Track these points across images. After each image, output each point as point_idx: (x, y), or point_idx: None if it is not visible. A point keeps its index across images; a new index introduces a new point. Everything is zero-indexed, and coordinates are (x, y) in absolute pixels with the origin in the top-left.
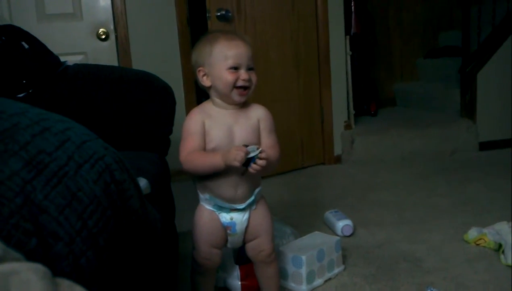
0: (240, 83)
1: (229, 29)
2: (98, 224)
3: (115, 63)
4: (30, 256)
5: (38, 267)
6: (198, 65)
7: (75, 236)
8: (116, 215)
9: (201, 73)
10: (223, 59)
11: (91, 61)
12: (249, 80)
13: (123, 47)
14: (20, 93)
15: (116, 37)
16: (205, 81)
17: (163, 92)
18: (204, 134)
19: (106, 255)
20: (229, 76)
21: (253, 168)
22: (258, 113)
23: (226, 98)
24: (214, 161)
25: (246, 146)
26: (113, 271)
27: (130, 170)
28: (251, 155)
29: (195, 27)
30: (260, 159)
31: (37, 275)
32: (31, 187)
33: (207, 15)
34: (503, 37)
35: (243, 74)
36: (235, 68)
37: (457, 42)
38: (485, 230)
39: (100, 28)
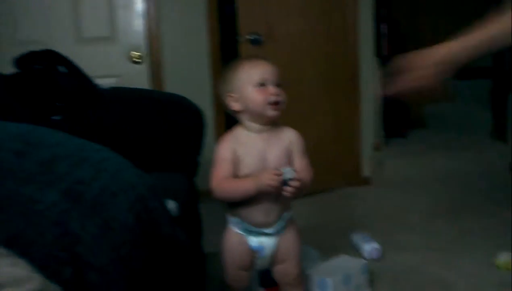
0: (271, 99)
1: (260, 52)
2: (130, 253)
3: (148, 86)
4: (65, 285)
5: None
6: (226, 91)
7: (107, 266)
8: (148, 243)
9: (230, 99)
10: (249, 79)
11: (124, 84)
12: (278, 94)
13: (155, 71)
14: (56, 116)
15: (150, 60)
16: (235, 106)
17: (195, 115)
18: (235, 161)
19: (138, 283)
20: (259, 95)
21: (287, 190)
22: (289, 136)
23: (259, 117)
24: (246, 186)
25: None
26: None
27: (161, 196)
28: (287, 176)
29: (227, 52)
30: (294, 180)
31: None
32: (68, 217)
33: (239, 39)
34: None
35: (271, 89)
36: (262, 84)
37: (489, 64)
38: None
39: (134, 51)
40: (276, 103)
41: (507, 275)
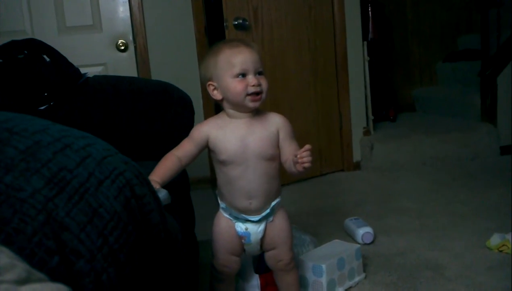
0: (250, 90)
1: (246, 37)
2: (119, 240)
3: (134, 74)
4: (53, 274)
5: (61, 287)
6: (207, 79)
7: (96, 253)
8: (137, 230)
9: (211, 87)
10: (229, 67)
11: (110, 72)
12: (259, 84)
13: (142, 58)
14: (41, 106)
15: (135, 48)
16: (216, 95)
17: (182, 102)
18: (200, 145)
19: (128, 271)
20: (238, 86)
21: (303, 162)
22: (276, 122)
23: (239, 107)
24: (153, 172)
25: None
26: (135, 285)
27: (150, 183)
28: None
29: (213, 37)
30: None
31: None
32: (53, 204)
33: (225, 24)
34: None
35: (251, 79)
36: (243, 74)
37: (476, 46)
38: (508, 236)
39: (119, 39)
40: (256, 94)
41: (498, 256)
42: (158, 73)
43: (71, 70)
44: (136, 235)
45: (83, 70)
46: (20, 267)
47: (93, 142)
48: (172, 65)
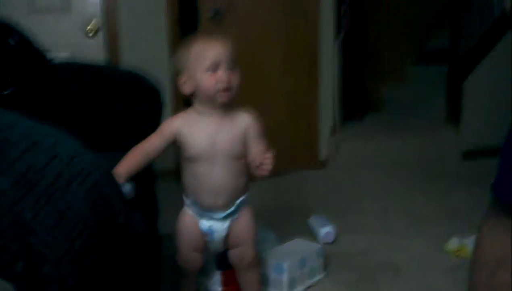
0: (221, 85)
1: (220, 28)
2: (85, 244)
3: (103, 60)
4: (17, 280)
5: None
6: (179, 72)
7: (62, 258)
8: (104, 232)
9: (181, 81)
10: (200, 61)
11: (79, 57)
12: (229, 81)
13: (112, 44)
14: (4, 90)
15: (106, 33)
16: (186, 89)
17: (152, 93)
18: (169, 140)
19: (93, 274)
20: (208, 81)
21: (263, 170)
22: (244, 121)
23: (210, 102)
24: (118, 166)
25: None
26: (100, 286)
27: (117, 183)
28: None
29: (187, 27)
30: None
31: None
32: (19, 207)
33: (198, 14)
34: (489, 46)
35: (221, 75)
36: (213, 69)
37: (447, 44)
38: (466, 241)
39: (89, 23)
40: (226, 89)
41: (455, 260)
42: (127, 62)
43: (37, 54)
44: (103, 238)
45: (50, 54)
46: None
47: (60, 140)
48: (143, 54)
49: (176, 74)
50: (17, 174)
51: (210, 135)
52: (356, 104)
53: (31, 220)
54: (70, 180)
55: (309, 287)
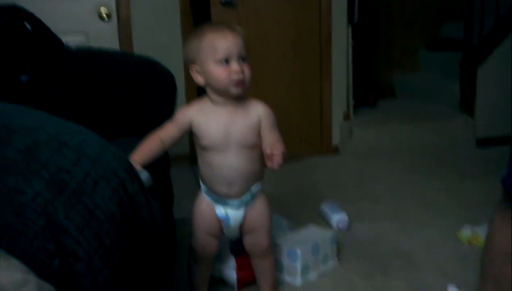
0: (234, 77)
1: (232, 15)
2: (114, 242)
3: (116, 46)
4: (54, 278)
5: None
6: (190, 62)
7: (93, 255)
8: (129, 229)
9: (194, 71)
10: (212, 52)
11: (92, 42)
12: (242, 72)
13: (124, 29)
14: (22, 75)
15: (118, 18)
16: (199, 79)
17: (165, 79)
18: (184, 129)
19: (121, 270)
20: (221, 73)
21: (275, 162)
22: (258, 111)
23: (223, 93)
24: (134, 153)
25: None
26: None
27: (139, 177)
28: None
29: (198, 14)
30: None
31: None
32: (52, 207)
33: (210, 0)
34: (505, 31)
35: (234, 66)
36: (226, 60)
37: (460, 34)
38: (478, 229)
39: (102, 7)
40: (240, 82)
41: (468, 248)
42: (140, 47)
43: (53, 40)
44: (129, 234)
45: (64, 38)
46: (32, 281)
47: (86, 138)
48: (155, 40)
49: (187, 63)
50: (49, 175)
51: (224, 126)
52: (368, 90)
53: (63, 219)
54: (98, 179)
55: (322, 273)
